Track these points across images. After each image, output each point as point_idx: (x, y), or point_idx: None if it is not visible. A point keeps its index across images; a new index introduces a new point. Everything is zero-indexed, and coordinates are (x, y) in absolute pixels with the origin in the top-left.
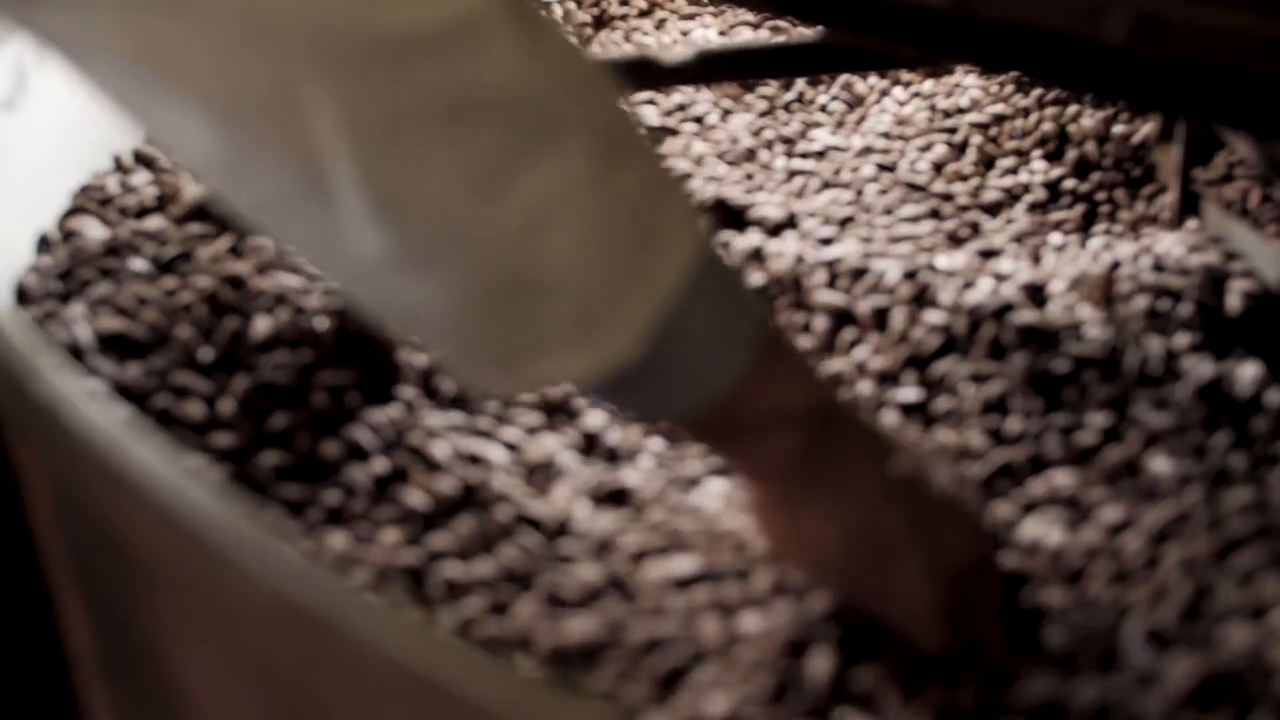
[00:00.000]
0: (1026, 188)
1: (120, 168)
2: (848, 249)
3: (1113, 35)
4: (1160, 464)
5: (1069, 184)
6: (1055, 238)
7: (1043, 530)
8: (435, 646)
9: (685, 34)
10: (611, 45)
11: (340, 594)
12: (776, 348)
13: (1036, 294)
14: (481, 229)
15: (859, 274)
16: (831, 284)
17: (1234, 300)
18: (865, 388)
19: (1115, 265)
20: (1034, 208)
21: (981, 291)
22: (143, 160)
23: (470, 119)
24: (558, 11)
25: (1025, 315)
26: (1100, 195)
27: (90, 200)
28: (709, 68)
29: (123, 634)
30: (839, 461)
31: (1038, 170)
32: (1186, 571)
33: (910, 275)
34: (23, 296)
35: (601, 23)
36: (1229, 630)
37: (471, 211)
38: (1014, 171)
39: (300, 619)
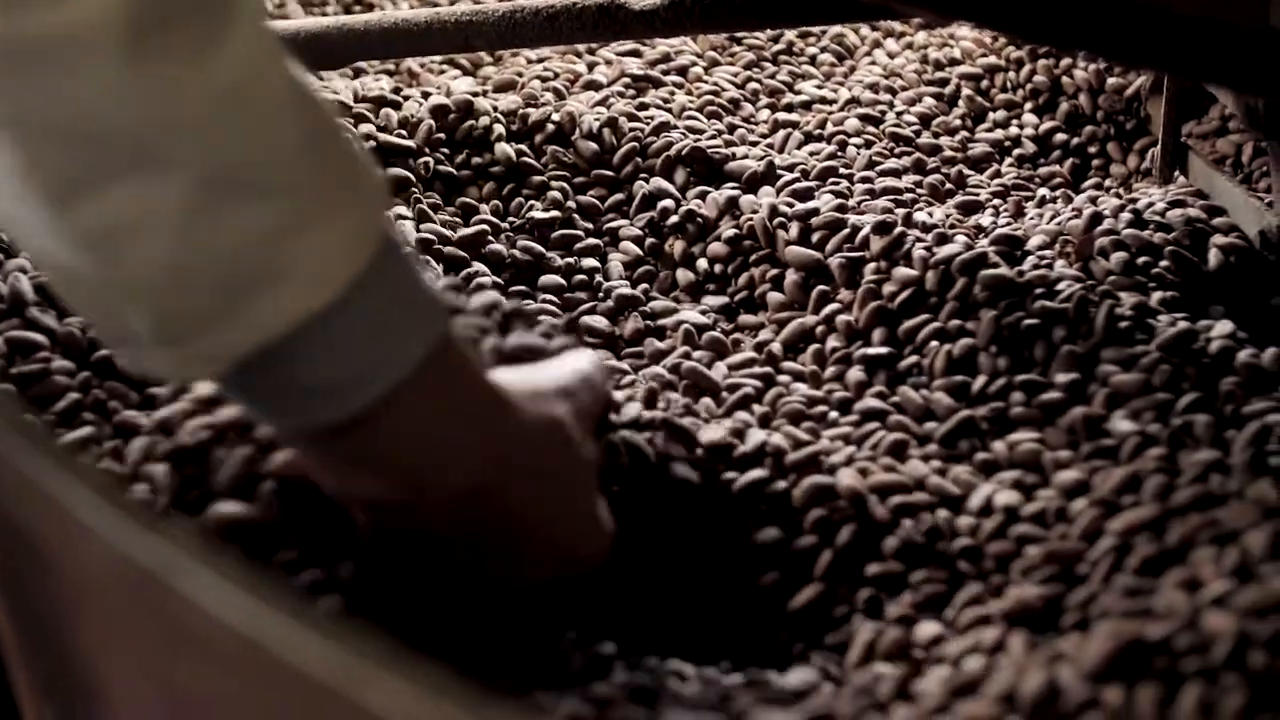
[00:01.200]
0: (1016, 141)
1: None
2: (823, 203)
3: None
4: (1123, 424)
5: (1060, 137)
6: (1043, 192)
7: (995, 492)
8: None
9: None
10: None
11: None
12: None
13: (1012, 249)
14: (57, 236)
15: (834, 228)
16: (805, 238)
17: (1214, 256)
18: (834, 343)
19: (1095, 220)
20: (1023, 161)
21: (956, 246)
22: None
23: (52, 136)
24: None
25: (998, 270)
26: (1092, 149)
27: None
28: (679, 14)
29: (41, 629)
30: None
31: (1028, 123)
32: (1128, 538)
33: (885, 229)
34: None
35: None
36: (1160, 598)
37: (43, 215)
38: (1004, 125)
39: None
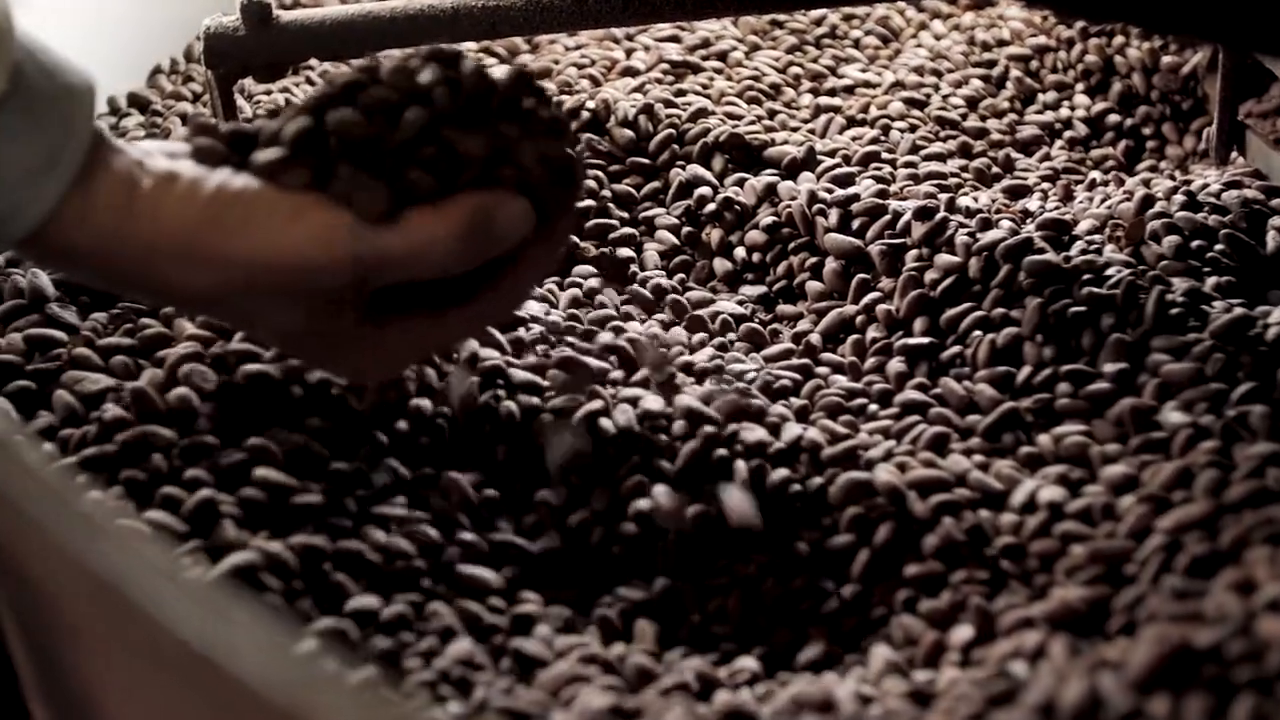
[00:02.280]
0: (1067, 123)
1: (114, 110)
2: (864, 189)
3: None
4: (1174, 416)
5: (1113, 119)
6: (1095, 175)
7: (1039, 488)
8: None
9: None
10: None
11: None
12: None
13: (1059, 234)
14: None
15: (874, 214)
16: (845, 225)
17: (1272, 239)
18: (874, 333)
19: (1147, 202)
20: (1074, 144)
21: (1001, 231)
22: (136, 103)
23: None
24: None
25: (1044, 256)
26: (1146, 130)
27: None
28: None
29: (45, 653)
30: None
31: (1079, 104)
32: (1178, 536)
33: (927, 215)
34: None
35: None
36: (1211, 601)
37: None
38: (1054, 106)
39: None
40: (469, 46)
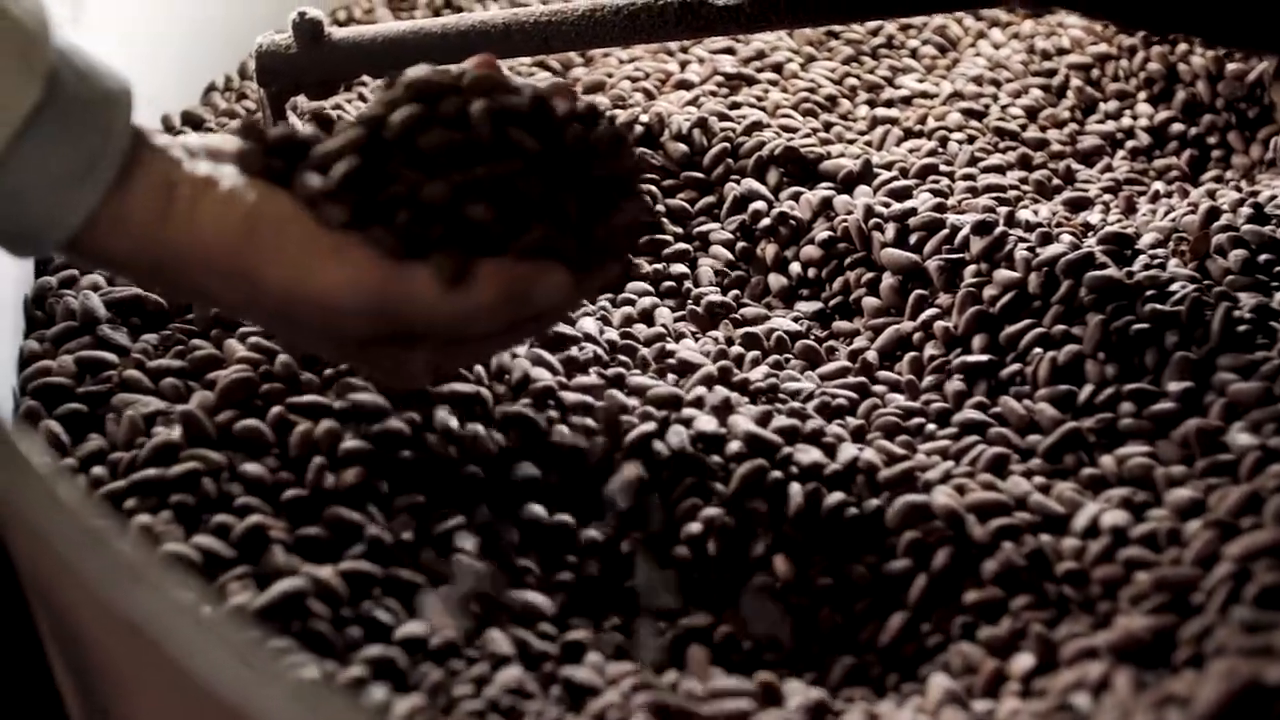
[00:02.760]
0: (1129, 133)
1: (168, 129)
2: (922, 202)
3: None
4: (1242, 438)
5: (1176, 127)
6: (1158, 186)
7: (1102, 512)
8: None
9: None
10: None
11: None
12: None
13: (1122, 248)
14: None
15: (932, 229)
16: (902, 240)
17: None
18: (932, 351)
19: (1212, 215)
20: (1136, 154)
21: (1062, 245)
22: (190, 121)
23: None
24: None
25: (1105, 271)
26: (1211, 139)
27: None
28: (765, 9)
29: (86, 686)
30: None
31: (1142, 113)
32: (1247, 564)
33: (985, 229)
34: (42, 262)
35: None
36: None
37: None
38: (1116, 116)
39: None
40: (522, 61)
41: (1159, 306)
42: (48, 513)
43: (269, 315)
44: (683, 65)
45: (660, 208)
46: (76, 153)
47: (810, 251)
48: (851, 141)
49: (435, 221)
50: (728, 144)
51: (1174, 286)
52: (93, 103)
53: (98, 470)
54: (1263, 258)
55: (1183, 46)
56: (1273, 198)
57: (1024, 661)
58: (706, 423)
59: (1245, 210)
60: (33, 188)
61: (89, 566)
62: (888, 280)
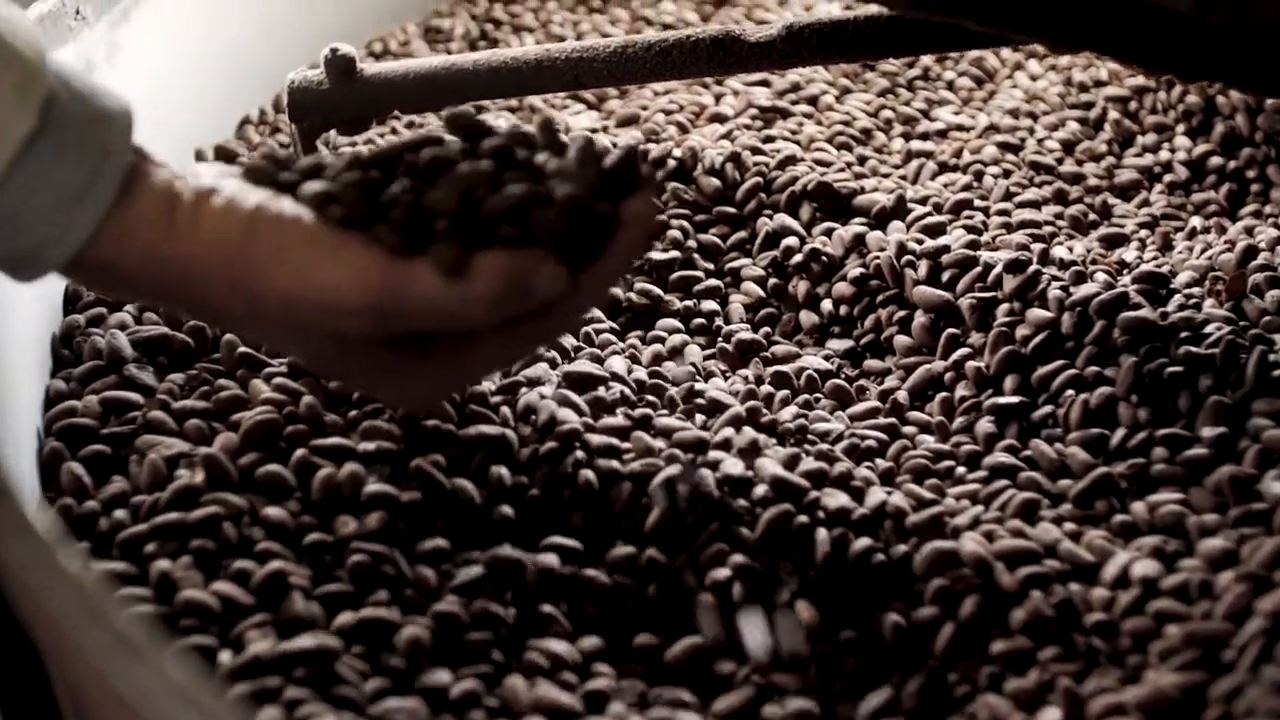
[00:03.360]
0: (1167, 166)
1: (201, 163)
2: (955, 239)
3: (1179, 2)
4: (1275, 487)
5: (1215, 161)
6: (1195, 221)
7: (1133, 561)
8: None
9: (808, 8)
10: (729, 21)
11: None
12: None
13: (1157, 288)
14: None
15: (965, 266)
16: (934, 278)
17: None
18: (963, 391)
19: (1249, 254)
20: (1174, 188)
21: (1095, 285)
22: (223, 155)
23: None
24: None
25: (1139, 312)
26: (1251, 173)
27: None
28: (796, 45)
29: None
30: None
31: (1180, 147)
32: (1277, 622)
33: (1018, 268)
34: (70, 300)
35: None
36: None
37: None
38: (1154, 149)
39: None
40: (557, 97)
41: (1193, 349)
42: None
43: (273, 323)
44: (717, 98)
45: (692, 243)
46: (76, 171)
47: (842, 289)
48: (886, 175)
49: (435, 217)
50: (761, 178)
51: (1209, 328)
52: (92, 122)
53: (119, 514)
54: None
55: None
56: None
57: (1051, 716)
58: (733, 466)
59: None
60: (33, 208)
61: (88, 640)
62: (920, 319)
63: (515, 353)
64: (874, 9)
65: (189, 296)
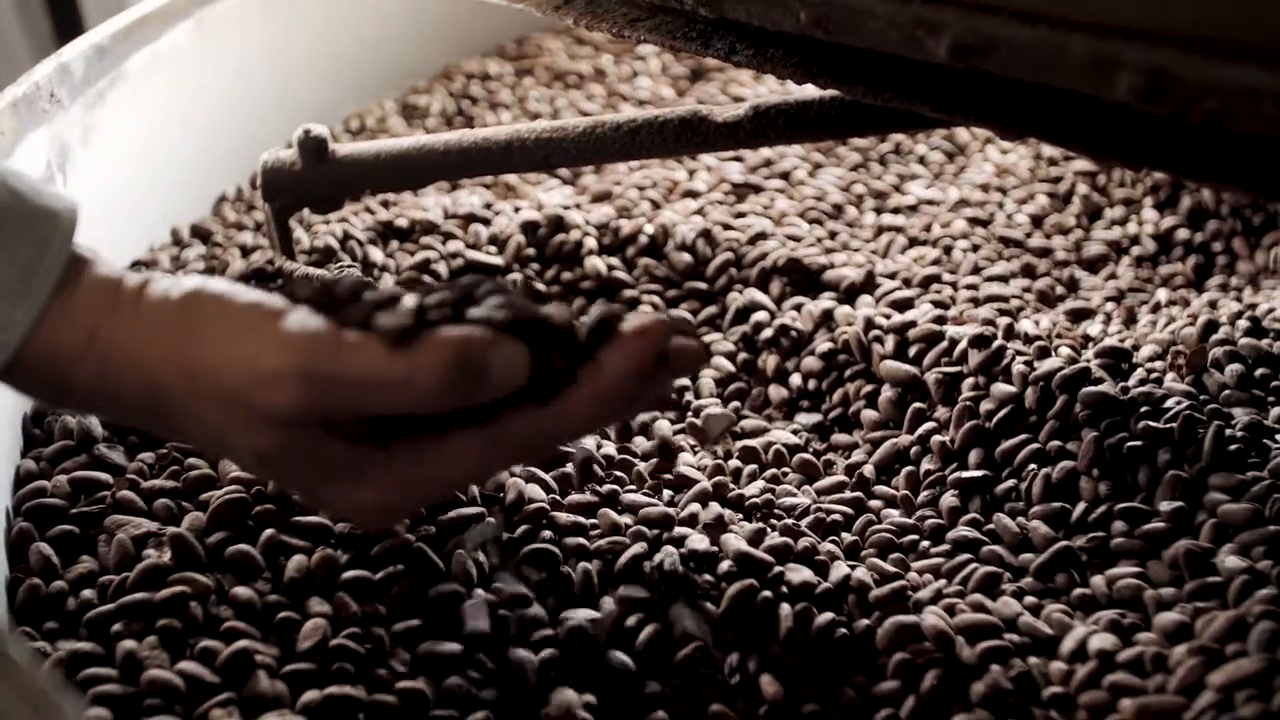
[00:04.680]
0: (1134, 240)
1: (177, 241)
2: (922, 314)
3: (1121, 93)
4: (1230, 561)
5: (1182, 234)
6: (1162, 294)
7: (1090, 635)
8: None
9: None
10: (704, 97)
11: None
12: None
13: (1118, 362)
14: None
15: (931, 341)
16: (901, 352)
17: None
18: (929, 465)
19: (1210, 328)
20: (1141, 261)
21: (1058, 360)
22: (200, 234)
23: None
24: (655, 65)
25: (1101, 387)
26: (1217, 246)
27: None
28: (763, 125)
29: None
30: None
31: (1148, 220)
32: (1229, 693)
33: (983, 343)
34: None
35: (698, 75)
36: None
37: None
38: (1121, 222)
39: None
40: (529, 175)
41: (1153, 424)
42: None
43: (210, 406)
44: (690, 174)
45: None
46: (11, 266)
47: (811, 363)
48: (857, 250)
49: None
50: (731, 254)
51: (1169, 403)
52: (29, 218)
53: (87, 593)
54: (1259, 372)
55: None
56: (1270, 310)
57: None
58: (698, 541)
59: (1243, 323)
60: None
61: None
62: (886, 393)
63: (482, 466)
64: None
65: (130, 387)
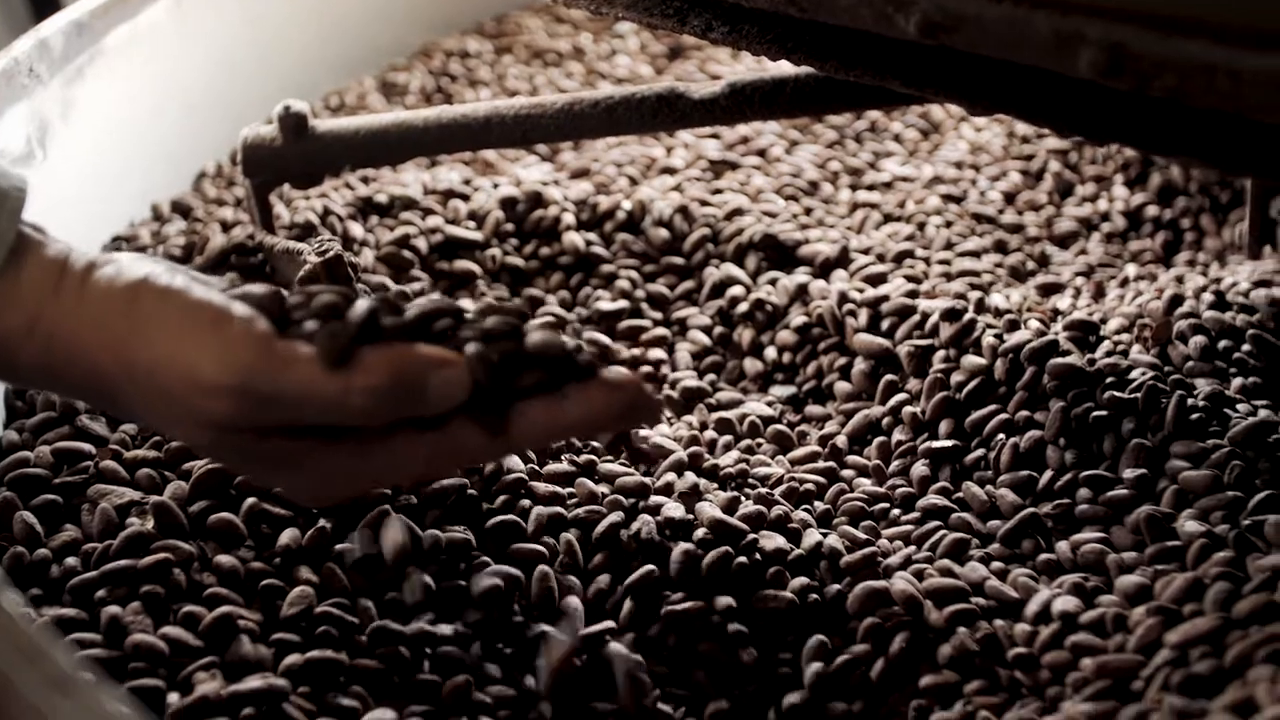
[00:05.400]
0: (1105, 216)
1: (158, 217)
2: (895, 288)
3: (1083, 69)
4: (1190, 525)
5: (1151, 211)
6: (1129, 269)
7: (1054, 598)
8: None
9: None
10: (682, 74)
11: None
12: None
13: (1086, 335)
14: None
15: (903, 315)
16: (874, 326)
17: None
18: (900, 436)
19: (1175, 302)
20: (1111, 237)
21: (1027, 333)
22: (180, 209)
23: None
24: (633, 43)
25: (1068, 359)
26: (1185, 222)
27: (120, 249)
28: (739, 102)
29: None
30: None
31: (1118, 197)
32: (1185, 651)
33: (955, 316)
34: None
35: (676, 53)
36: None
37: None
38: (1092, 199)
39: None
40: (507, 152)
41: (1118, 394)
42: None
43: (147, 398)
44: (668, 150)
45: (641, 293)
46: None
47: (785, 337)
48: (832, 226)
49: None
50: (708, 229)
51: (1134, 374)
52: None
53: (70, 561)
54: (1222, 344)
55: None
56: (1234, 285)
57: None
58: (674, 510)
59: (1207, 297)
60: None
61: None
62: (859, 365)
63: (427, 468)
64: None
65: (72, 370)
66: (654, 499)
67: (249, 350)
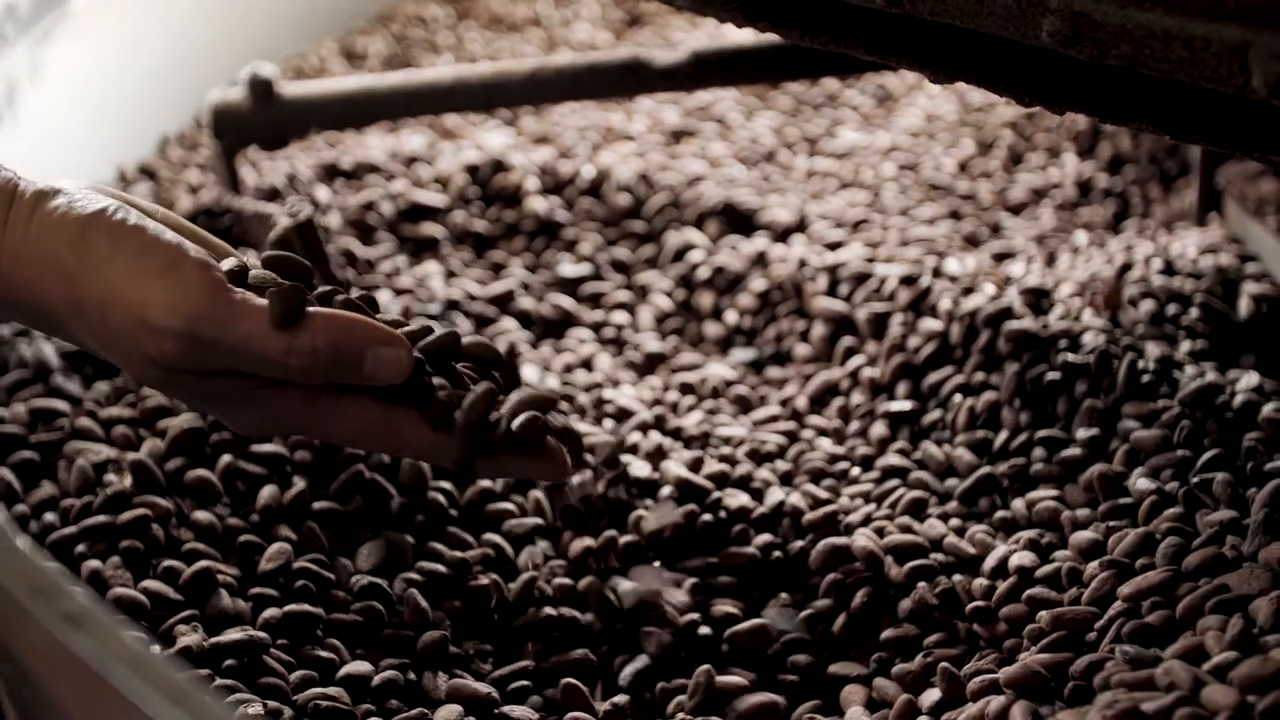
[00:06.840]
0: (1056, 185)
1: (123, 179)
2: (853, 254)
3: (1044, 37)
4: (1141, 483)
5: (1101, 181)
6: (1080, 237)
7: (1011, 553)
8: None
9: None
10: (641, 42)
11: None
12: None
13: (1039, 300)
14: None
15: (861, 279)
16: (832, 290)
17: (1245, 304)
18: (859, 398)
19: (1125, 268)
20: (1062, 206)
21: (982, 297)
22: (146, 172)
23: None
24: (593, 10)
25: (1022, 323)
26: (1134, 191)
27: None
28: (702, 70)
29: None
30: None
31: (1069, 167)
32: (1137, 603)
33: (911, 281)
34: None
35: (635, 20)
36: (1162, 669)
37: None
38: (1043, 168)
39: None
40: (473, 115)
41: (1070, 357)
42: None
43: (96, 331)
44: (629, 115)
45: (603, 257)
46: None
47: (746, 301)
48: (790, 192)
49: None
50: (669, 195)
51: (1086, 338)
52: None
53: (49, 517)
54: (1170, 309)
55: None
56: (1182, 252)
57: (933, 696)
58: (640, 468)
59: (1157, 263)
60: None
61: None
62: (818, 329)
63: (369, 436)
64: (775, 37)
65: (18, 297)
66: (621, 457)
67: (200, 296)
